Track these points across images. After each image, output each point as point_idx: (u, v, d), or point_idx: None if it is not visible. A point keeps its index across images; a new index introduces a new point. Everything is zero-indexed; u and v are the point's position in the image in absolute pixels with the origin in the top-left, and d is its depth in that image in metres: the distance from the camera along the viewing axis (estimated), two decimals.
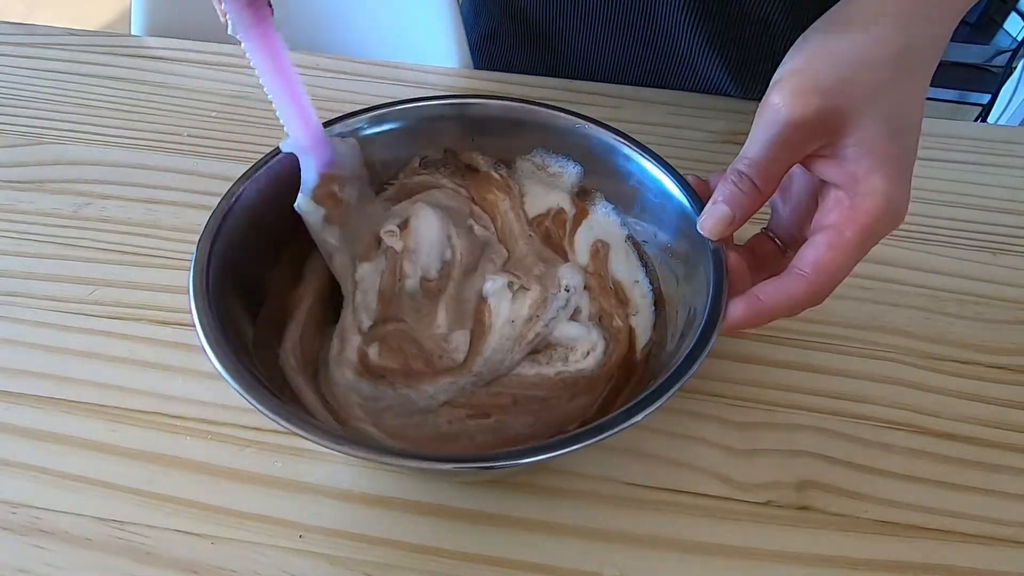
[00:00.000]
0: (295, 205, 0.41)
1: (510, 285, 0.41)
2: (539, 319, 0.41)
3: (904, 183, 0.33)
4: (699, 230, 0.36)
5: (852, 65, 0.33)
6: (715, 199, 0.35)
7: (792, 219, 0.38)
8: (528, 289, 0.41)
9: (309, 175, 0.41)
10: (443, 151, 0.47)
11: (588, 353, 0.40)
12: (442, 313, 0.42)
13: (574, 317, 0.42)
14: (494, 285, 0.41)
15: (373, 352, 0.41)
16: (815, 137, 0.33)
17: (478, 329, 0.41)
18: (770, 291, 0.34)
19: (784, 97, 0.33)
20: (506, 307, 0.41)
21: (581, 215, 0.47)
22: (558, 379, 0.40)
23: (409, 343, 0.41)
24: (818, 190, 0.36)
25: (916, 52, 0.33)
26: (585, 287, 0.43)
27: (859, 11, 0.34)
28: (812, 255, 0.34)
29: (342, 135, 0.44)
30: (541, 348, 0.41)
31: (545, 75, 0.65)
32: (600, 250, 0.45)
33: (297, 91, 0.38)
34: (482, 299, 0.42)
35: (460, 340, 0.41)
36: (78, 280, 0.48)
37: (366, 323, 0.41)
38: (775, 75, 0.34)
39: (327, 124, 0.44)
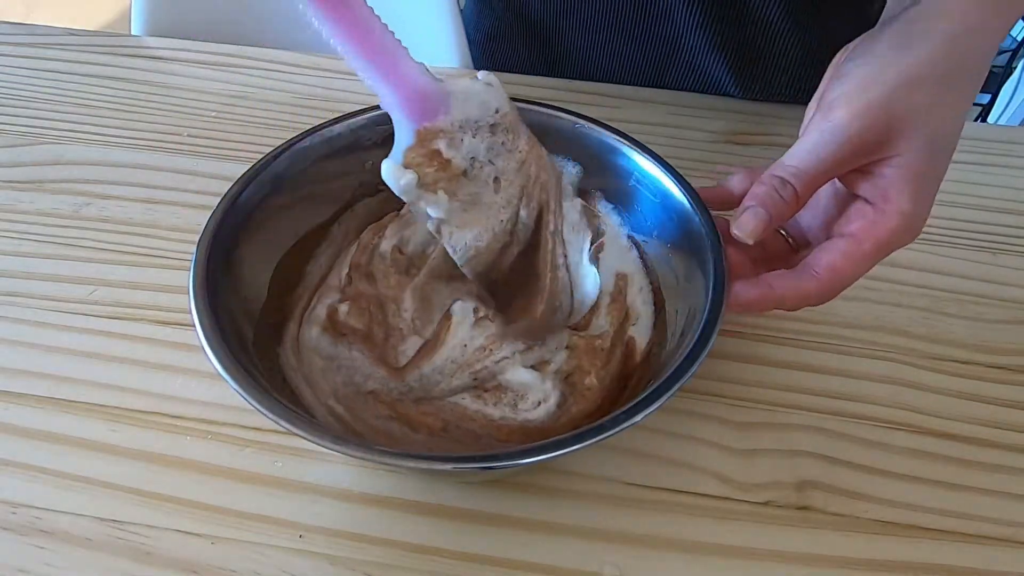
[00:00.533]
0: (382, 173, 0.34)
1: (475, 311, 0.40)
2: (491, 353, 0.39)
3: (927, 203, 0.34)
4: (734, 231, 0.36)
5: (909, 83, 0.33)
6: (749, 202, 0.35)
7: (810, 221, 0.39)
8: (492, 321, 0.40)
9: (401, 135, 0.34)
10: None
11: (539, 404, 0.38)
12: (408, 299, 0.42)
13: (538, 367, 0.40)
14: (462, 306, 0.41)
15: (343, 309, 0.41)
16: (865, 156, 0.34)
17: (431, 343, 0.41)
18: (782, 283, 0.35)
19: (848, 116, 0.33)
20: (465, 330, 0.40)
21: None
22: (501, 423, 0.38)
23: (377, 308, 0.41)
24: (841, 196, 0.37)
25: (966, 70, 0.34)
26: (567, 346, 0.40)
27: (922, 25, 0.34)
28: (827, 259, 0.35)
29: (342, 135, 0.44)
30: (490, 387, 0.39)
31: (548, 74, 0.65)
32: (622, 286, 0.44)
33: (372, 40, 0.32)
34: (448, 315, 0.41)
35: (412, 345, 0.41)
36: (78, 280, 0.48)
37: (344, 271, 0.42)
38: (834, 87, 0.34)
39: (329, 124, 0.44)
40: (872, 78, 0.33)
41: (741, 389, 0.44)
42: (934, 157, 0.34)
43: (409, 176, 0.33)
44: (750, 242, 0.35)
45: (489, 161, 0.35)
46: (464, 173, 0.35)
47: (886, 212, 0.34)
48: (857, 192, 0.35)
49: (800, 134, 0.35)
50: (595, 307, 0.43)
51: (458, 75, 0.35)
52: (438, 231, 0.36)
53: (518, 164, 0.37)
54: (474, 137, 0.35)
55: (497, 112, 0.35)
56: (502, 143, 0.35)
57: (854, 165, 0.34)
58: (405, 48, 0.33)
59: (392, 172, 0.33)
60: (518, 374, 0.39)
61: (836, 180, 0.36)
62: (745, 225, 0.35)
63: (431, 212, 0.35)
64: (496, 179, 0.36)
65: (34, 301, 0.47)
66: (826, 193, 0.38)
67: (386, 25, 0.32)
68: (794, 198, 0.34)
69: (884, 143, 0.33)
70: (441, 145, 0.34)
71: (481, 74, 0.35)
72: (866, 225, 0.34)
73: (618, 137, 0.44)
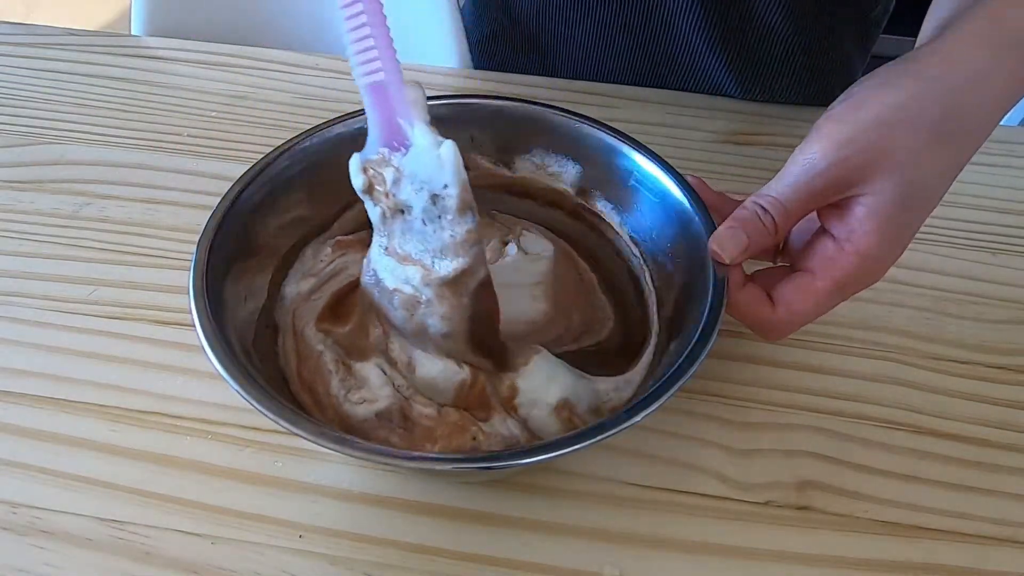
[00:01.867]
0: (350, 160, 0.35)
1: None
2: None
3: (894, 250, 0.34)
4: (713, 247, 0.36)
5: (891, 123, 0.32)
6: (732, 224, 0.35)
7: (794, 237, 0.39)
8: None
9: (370, 144, 0.35)
10: None
11: (363, 401, 0.37)
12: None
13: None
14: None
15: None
16: (838, 192, 0.33)
17: None
18: (743, 309, 0.36)
19: (821, 149, 0.33)
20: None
21: None
22: (330, 400, 0.37)
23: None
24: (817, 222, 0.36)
25: (964, 123, 0.33)
26: (440, 406, 0.38)
27: (915, 67, 0.33)
28: (783, 293, 0.35)
29: (342, 135, 0.43)
30: (348, 364, 0.38)
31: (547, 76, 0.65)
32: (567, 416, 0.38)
33: (387, 51, 0.32)
34: None
35: None
36: (78, 280, 0.48)
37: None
38: (819, 120, 0.34)
39: (329, 123, 0.44)
40: (850, 113, 0.33)
41: (741, 389, 0.44)
42: (907, 204, 0.33)
43: (363, 179, 0.35)
44: (727, 261, 0.35)
45: (423, 221, 0.35)
46: (400, 212, 0.35)
47: (845, 251, 0.33)
48: (826, 227, 0.35)
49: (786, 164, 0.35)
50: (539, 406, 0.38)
51: (433, 132, 0.34)
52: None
53: (451, 249, 0.35)
54: (415, 192, 0.34)
55: (445, 187, 0.34)
56: (438, 216, 0.34)
57: (829, 200, 0.34)
58: (401, 72, 0.33)
59: (354, 167, 0.35)
60: (366, 368, 0.38)
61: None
62: (725, 243, 0.35)
63: (371, 215, 0.36)
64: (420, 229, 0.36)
65: (34, 301, 0.47)
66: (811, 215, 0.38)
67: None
68: (773, 227, 0.34)
69: (856, 180, 0.33)
70: (388, 175, 0.35)
71: (447, 144, 0.33)
72: (823, 262, 0.34)
73: (618, 137, 0.44)
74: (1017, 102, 0.35)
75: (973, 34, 0.33)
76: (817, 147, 0.33)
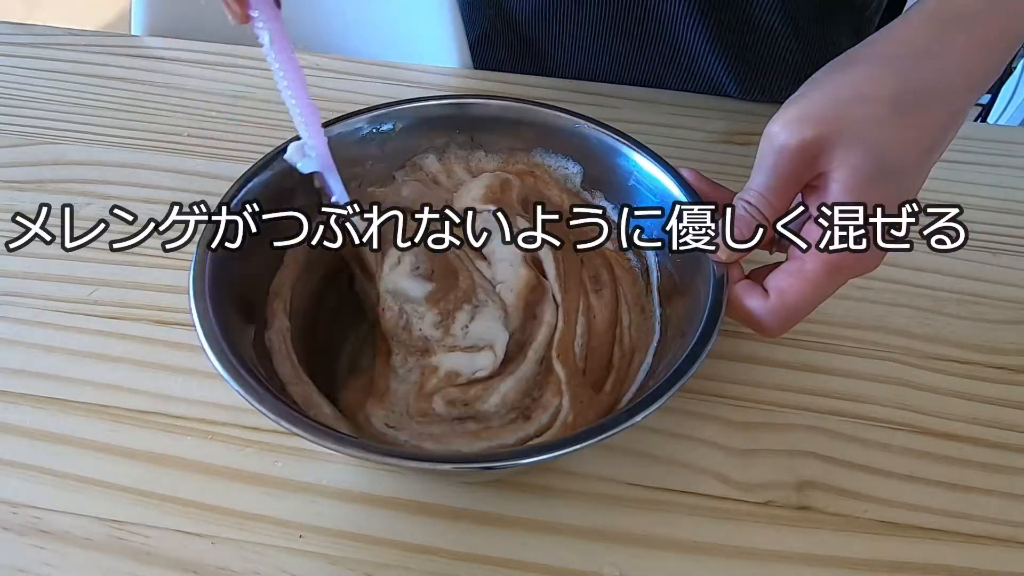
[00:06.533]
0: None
1: None
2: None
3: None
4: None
5: (847, 98, 0.33)
6: (727, 224, 0.36)
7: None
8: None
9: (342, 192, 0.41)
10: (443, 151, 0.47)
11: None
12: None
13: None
14: None
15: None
16: (807, 168, 0.33)
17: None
18: (737, 300, 0.36)
19: (780, 127, 0.33)
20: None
21: None
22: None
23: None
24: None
25: (923, 96, 0.33)
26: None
27: (867, 50, 0.34)
28: (775, 281, 0.35)
29: (342, 135, 0.44)
30: None
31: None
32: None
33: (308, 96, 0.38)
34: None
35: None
36: (78, 280, 0.48)
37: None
38: (784, 102, 0.35)
39: (328, 124, 0.44)
40: (805, 97, 0.34)
41: (741, 389, 0.44)
42: (880, 178, 0.32)
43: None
44: (725, 259, 0.36)
45: None
46: None
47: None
48: (810, 211, 0.35)
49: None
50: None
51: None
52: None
53: None
54: None
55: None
56: None
57: (802, 180, 0.34)
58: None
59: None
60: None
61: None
62: (721, 242, 0.36)
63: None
64: None
65: (34, 301, 0.47)
66: (798, 202, 0.38)
67: None
68: (763, 219, 0.35)
69: (819, 154, 0.33)
70: None
71: None
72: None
73: (618, 137, 0.44)
74: (985, 78, 0.34)
75: (920, 14, 0.34)
76: (775, 130, 0.33)
